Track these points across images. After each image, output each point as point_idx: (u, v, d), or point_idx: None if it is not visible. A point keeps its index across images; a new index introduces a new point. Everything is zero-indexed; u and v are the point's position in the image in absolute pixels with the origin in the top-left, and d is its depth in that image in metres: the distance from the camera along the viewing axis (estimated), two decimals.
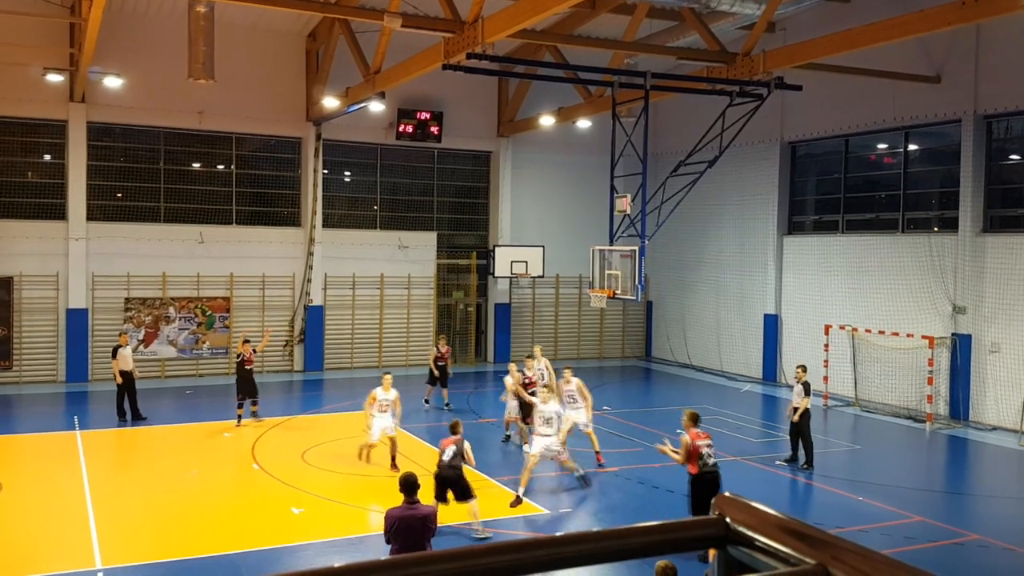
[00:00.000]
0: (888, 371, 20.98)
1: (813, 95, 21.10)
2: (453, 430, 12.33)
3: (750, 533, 1.54)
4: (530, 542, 1.51)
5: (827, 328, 21.91)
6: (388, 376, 15.31)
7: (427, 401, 20.42)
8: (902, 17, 14.64)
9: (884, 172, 22.56)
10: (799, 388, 15.51)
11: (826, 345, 21.81)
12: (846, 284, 22.44)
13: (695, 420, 11.43)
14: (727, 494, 1.70)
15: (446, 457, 11.85)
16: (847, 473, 15.38)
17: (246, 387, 18.03)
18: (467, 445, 12.08)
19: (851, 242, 22.51)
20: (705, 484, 10.83)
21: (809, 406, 15.52)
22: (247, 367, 18.02)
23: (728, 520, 1.58)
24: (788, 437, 16.02)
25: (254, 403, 18.20)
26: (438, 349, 20.46)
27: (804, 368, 15.84)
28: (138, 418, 18.15)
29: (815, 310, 23.18)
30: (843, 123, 22.53)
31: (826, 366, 21.44)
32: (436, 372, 20.17)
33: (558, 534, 1.62)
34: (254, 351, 18.39)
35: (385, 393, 14.94)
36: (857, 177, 23.09)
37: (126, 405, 18.14)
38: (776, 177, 24.56)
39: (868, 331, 21.30)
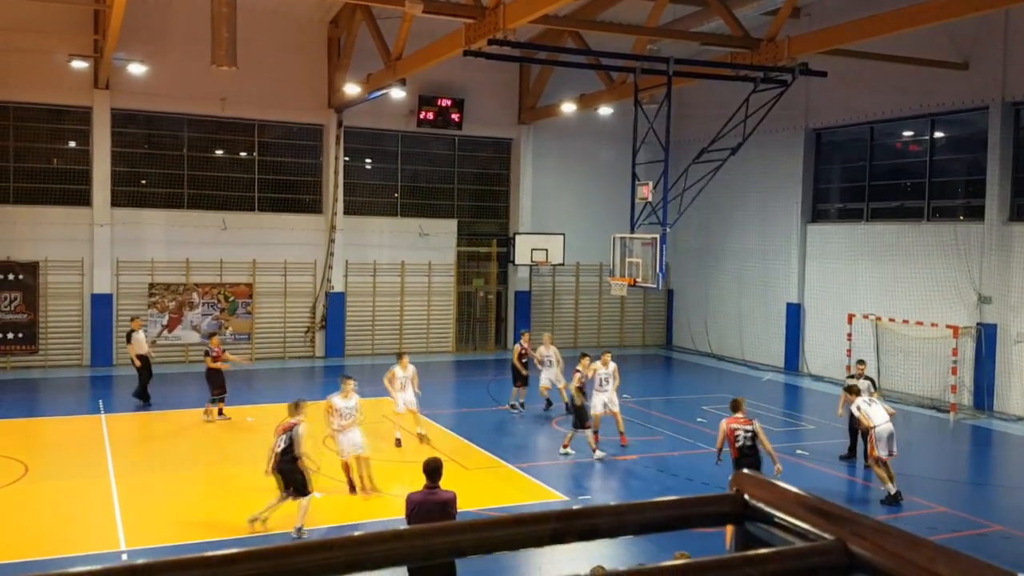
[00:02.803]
0: (912, 360, 20.79)
1: (838, 81, 20.86)
2: (292, 411, 11.29)
3: (768, 509, 1.54)
4: (548, 514, 1.52)
5: (850, 317, 21.73)
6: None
7: (515, 405, 18.59)
8: (929, 3, 14.42)
9: (910, 160, 22.30)
10: (867, 384, 14.93)
11: (849, 334, 21.64)
12: (870, 273, 22.23)
13: (734, 407, 11.95)
14: (745, 471, 1.70)
15: (278, 448, 10.99)
16: None
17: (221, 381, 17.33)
18: (301, 430, 11.06)
19: (876, 230, 22.29)
20: (741, 467, 11.19)
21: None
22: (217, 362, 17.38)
23: (746, 496, 1.59)
24: (848, 432, 15.20)
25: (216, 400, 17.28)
26: (522, 344, 18.73)
27: (864, 363, 15.62)
28: (145, 400, 18.25)
29: (839, 299, 22.99)
30: (868, 110, 22.28)
31: (849, 355, 21.25)
32: (523, 371, 18.39)
33: (575, 507, 1.63)
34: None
35: (403, 372, 15.56)
36: (882, 165, 22.83)
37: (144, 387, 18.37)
38: (800, 164, 24.34)
39: (892, 320, 21.11)
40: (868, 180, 22.91)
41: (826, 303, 23.60)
